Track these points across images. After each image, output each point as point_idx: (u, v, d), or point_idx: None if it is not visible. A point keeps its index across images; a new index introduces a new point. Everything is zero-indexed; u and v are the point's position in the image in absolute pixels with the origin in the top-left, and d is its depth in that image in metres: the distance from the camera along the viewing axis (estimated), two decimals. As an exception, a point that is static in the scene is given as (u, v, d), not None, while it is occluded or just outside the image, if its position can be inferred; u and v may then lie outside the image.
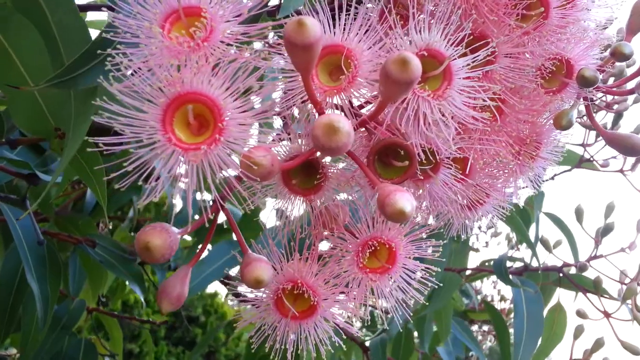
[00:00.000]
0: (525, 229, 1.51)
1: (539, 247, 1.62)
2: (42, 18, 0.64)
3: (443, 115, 0.53)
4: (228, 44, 0.49)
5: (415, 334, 2.10)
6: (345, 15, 0.55)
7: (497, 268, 1.58)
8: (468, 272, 2.10)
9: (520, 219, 1.76)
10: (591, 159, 1.50)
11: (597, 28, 0.71)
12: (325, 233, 0.60)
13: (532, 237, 1.64)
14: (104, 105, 0.44)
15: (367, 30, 0.53)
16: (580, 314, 1.41)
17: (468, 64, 0.55)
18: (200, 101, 0.45)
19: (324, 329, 0.61)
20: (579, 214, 1.47)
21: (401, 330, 2.07)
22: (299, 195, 0.58)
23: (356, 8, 0.57)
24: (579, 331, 1.52)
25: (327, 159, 0.60)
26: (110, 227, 2.46)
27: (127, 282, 2.52)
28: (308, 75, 0.48)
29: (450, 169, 0.61)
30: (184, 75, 0.45)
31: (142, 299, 2.15)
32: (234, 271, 1.89)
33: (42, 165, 1.35)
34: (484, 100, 0.56)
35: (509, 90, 0.68)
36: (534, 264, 1.68)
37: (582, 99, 0.74)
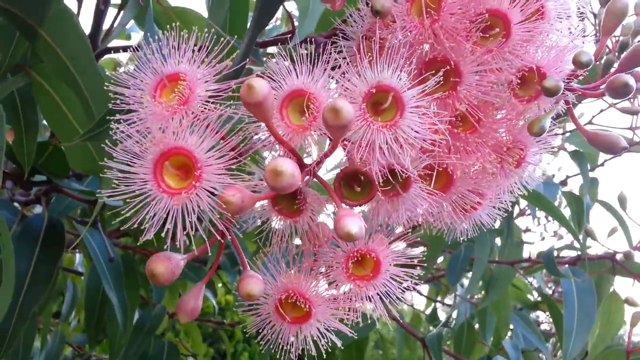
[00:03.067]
0: (567, 219, 1.51)
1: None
2: (74, 81, 0.78)
3: (398, 142, 0.61)
4: (206, 101, 0.59)
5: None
6: (314, 60, 0.64)
7: (546, 260, 1.59)
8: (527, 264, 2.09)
9: (576, 207, 1.75)
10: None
11: (570, 33, 0.75)
12: (312, 248, 0.69)
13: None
14: (108, 164, 0.56)
15: (323, 73, 0.62)
16: (629, 301, 1.40)
17: (422, 91, 0.62)
18: (180, 154, 0.56)
19: (321, 330, 0.70)
20: (622, 201, 1.45)
21: (463, 324, 2.11)
22: (286, 217, 0.67)
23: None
24: (635, 318, 1.50)
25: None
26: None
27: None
28: (269, 122, 0.57)
29: (419, 183, 0.68)
30: (166, 134, 0.56)
31: (214, 303, 2.34)
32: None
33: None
34: (437, 124, 0.62)
35: (481, 105, 0.73)
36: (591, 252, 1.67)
37: (563, 102, 0.78)
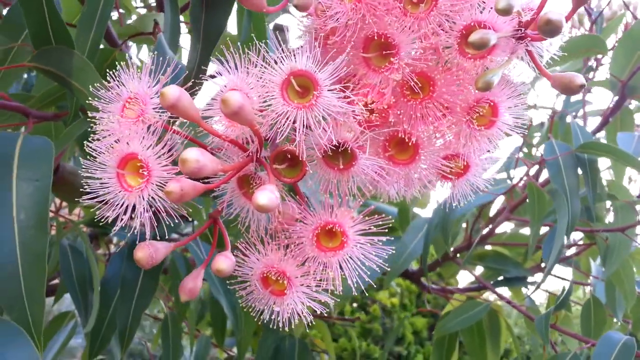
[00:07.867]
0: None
1: None
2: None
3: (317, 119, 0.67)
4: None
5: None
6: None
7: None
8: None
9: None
10: None
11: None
12: (281, 227, 0.77)
13: None
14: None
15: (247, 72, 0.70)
16: None
17: (334, 70, 0.67)
18: (133, 158, 0.69)
19: (301, 300, 0.77)
20: None
21: (589, 302, 1.95)
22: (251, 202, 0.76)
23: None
24: None
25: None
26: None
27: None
28: (196, 121, 0.67)
29: (365, 155, 0.72)
30: (121, 144, 0.69)
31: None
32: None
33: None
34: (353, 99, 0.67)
35: (425, 70, 0.75)
36: None
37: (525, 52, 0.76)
